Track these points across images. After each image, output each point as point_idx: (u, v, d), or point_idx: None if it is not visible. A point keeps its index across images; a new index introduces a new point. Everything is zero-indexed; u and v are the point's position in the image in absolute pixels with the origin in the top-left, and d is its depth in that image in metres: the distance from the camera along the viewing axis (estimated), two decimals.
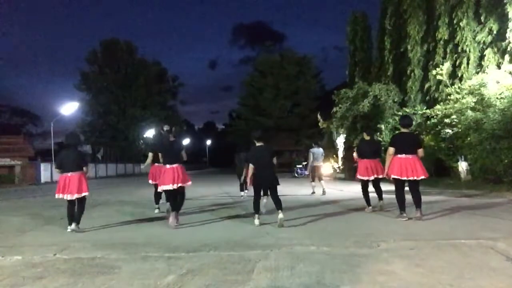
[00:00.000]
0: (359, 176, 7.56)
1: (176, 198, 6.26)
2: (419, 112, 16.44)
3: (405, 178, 6.18)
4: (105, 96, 42.56)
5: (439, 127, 14.03)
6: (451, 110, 13.60)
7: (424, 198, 7.07)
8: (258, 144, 6.28)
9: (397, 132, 7.01)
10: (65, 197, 5.88)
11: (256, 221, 6.08)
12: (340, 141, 22.88)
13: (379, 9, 20.48)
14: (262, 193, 6.42)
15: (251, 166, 6.19)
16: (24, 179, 23.49)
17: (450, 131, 13.44)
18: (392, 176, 6.30)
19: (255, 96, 40.78)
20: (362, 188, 7.63)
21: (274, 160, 6.28)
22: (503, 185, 10.70)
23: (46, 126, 40.03)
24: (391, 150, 6.37)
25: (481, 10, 14.68)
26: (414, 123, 16.26)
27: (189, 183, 6.38)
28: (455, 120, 13.16)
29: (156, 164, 7.84)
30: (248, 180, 6.49)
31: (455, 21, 15.45)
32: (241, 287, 3.22)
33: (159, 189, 6.43)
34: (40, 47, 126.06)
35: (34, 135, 53.39)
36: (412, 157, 6.19)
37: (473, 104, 13.02)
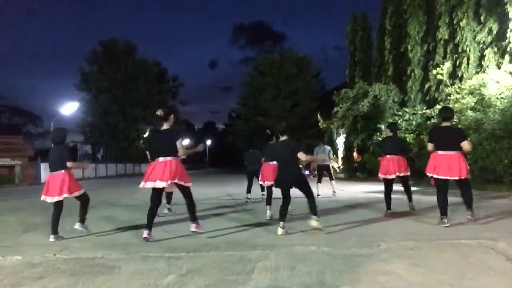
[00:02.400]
0: (380, 175, 6.92)
1: (170, 199, 5.34)
2: (419, 112, 16.44)
3: (443, 177, 5.55)
4: (105, 96, 42.53)
5: None
6: None
7: (424, 198, 7.11)
8: (282, 138, 5.55)
9: (435, 125, 6.41)
10: (47, 200, 5.42)
11: (279, 231, 5.24)
12: (340, 141, 22.89)
13: (379, 9, 20.51)
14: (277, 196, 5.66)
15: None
16: (24, 179, 23.48)
17: None
18: (428, 175, 5.72)
19: (255, 96, 40.72)
20: (384, 188, 6.90)
21: (302, 155, 5.33)
22: (503, 185, 10.70)
23: (46, 126, 40.19)
24: (429, 146, 5.77)
25: (481, 10, 14.69)
26: (414, 123, 16.33)
27: (189, 184, 5.18)
28: (455, 120, 13.15)
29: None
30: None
31: (455, 21, 15.46)
32: (241, 287, 3.22)
33: (146, 185, 5.09)
34: (40, 47, 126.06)
35: (34, 135, 53.62)
36: (455, 153, 5.50)
37: (473, 104, 13.01)
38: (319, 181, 11.14)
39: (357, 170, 20.89)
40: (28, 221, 7.24)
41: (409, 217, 6.58)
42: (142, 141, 8.72)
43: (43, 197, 5.45)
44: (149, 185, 5.01)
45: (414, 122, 16.34)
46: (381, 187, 7.24)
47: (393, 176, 6.74)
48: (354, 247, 4.47)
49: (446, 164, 5.48)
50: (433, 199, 8.14)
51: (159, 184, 4.95)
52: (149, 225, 5.09)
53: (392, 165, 6.72)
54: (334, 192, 10.84)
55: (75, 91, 42.97)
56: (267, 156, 7.20)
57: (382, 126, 17.61)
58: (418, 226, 5.74)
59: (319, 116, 24.09)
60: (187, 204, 5.21)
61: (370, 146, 18.63)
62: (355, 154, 21.47)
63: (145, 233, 5.03)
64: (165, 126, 5.22)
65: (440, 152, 5.59)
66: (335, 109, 19.34)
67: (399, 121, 16.88)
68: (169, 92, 50.10)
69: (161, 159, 5.06)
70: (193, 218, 5.19)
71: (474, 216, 5.68)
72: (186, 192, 5.20)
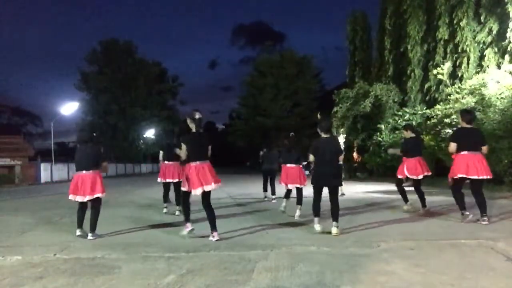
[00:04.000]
0: (408, 175, 7.01)
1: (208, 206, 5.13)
2: (419, 112, 16.45)
3: (471, 177, 5.67)
4: (105, 96, 42.51)
5: (439, 127, 14.02)
6: (451, 110, 13.60)
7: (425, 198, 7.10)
8: (324, 136, 5.52)
9: (458, 126, 6.53)
10: (76, 199, 5.33)
11: (317, 227, 5.39)
12: (340, 141, 22.90)
13: (379, 9, 20.50)
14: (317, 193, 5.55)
15: (311, 157, 5.48)
16: (24, 179, 23.47)
17: (450, 131, 13.41)
18: (459, 175, 5.74)
19: (255, 96, 40.68)
20: (415, 189, 7.10)
21: (341, 158, 5.43)
22: (503, 185, 10.71)
23: (46, 126, 40.15)
24: (452, 146, 5.87)
25: (481, 10, 14.71)
26: (414, 123, 16.33)
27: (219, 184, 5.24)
28: (455, 120, 13.16)
29: (166, 161, 7.65)
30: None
31: (455, 21, 15.47)
32: (241, 287, 3.22)
33: (194, 192, 5.04)
34: (40, 47, 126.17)
35: (34, 135, 53.62)
36: (477, 154, 5.72)
37: (473, 104, 13.01)
38: None
39: (357, 170, 20.89)
40: (28, 221, 7.23)
41: (409, 217, 6.58)
42: (173, 140, 8.18)
43: (71, 197, 5.37)
44: (199, 191, 4.97)
45: (414, 122, 16.35)
46: (380, 187, 7.32)
47: (421, 177, 6.97)
48: (354, 247, 4.47)
49: (474, 165, 5.66)
50: (432, 199, 8.17)
51: (208, 188, 5.01)
52: (212, 227, 5.09)
53: (419, 166, 6.95)
54: (343, 193, 10.82)
55: (75, 91, 43.04)
56: (285, 158, 7.34)
57: (382, 126, 17.63)
58: (418, 226, 5.74)
59: (318, 116, 24.11)
60: (211, 213, 5.14)
61: (370, 146, 18.62)
62: (355, 154, 21.46)
63: (215, 236, 5.00)
64: (198, 129, 5.21)
65: (467, 152, 5.74)
66: (335, 109, 19.35)
67: (399, 121, 16.89)
68: (169, 92, 50.07)
69: (198, 162, 5.06)
70: (214, 226, 5.10)
71: (489, 220, 5.72)
72: (208, 198, 5.16)
